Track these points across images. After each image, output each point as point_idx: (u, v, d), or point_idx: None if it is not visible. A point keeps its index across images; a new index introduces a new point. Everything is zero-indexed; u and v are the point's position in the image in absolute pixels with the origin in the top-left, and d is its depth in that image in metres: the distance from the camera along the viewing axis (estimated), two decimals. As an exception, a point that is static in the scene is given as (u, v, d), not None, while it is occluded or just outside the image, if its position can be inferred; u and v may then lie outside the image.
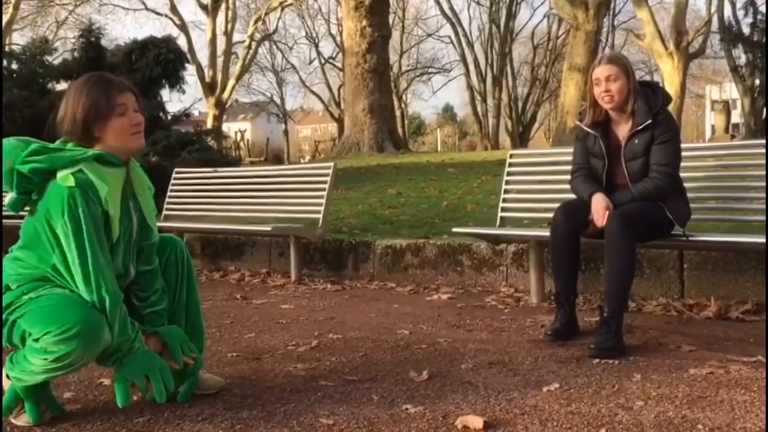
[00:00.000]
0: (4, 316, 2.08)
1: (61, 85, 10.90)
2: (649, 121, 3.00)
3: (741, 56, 23.69)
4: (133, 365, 2.13)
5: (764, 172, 3.41)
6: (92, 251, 2.05)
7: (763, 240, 2.99)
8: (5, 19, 20.10)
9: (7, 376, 2.16)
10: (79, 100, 2.14)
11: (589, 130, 3.16)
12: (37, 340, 2.01)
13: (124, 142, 2.18)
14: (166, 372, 2.18)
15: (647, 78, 38.23)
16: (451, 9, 35.05)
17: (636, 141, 3.04)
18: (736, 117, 27.71)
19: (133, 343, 2.13)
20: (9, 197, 2.13)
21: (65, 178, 2.05)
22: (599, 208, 2.99)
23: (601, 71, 3.04)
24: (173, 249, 2.41)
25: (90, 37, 10.58)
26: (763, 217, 3.47)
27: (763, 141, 3.47)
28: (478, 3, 37.33)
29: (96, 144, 2.16)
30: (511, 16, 35.54)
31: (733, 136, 21.76)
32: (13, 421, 2.17)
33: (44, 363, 2.01)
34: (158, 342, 2.26)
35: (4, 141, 2.14)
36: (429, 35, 40.76)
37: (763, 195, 3.48)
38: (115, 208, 2.14)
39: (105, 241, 2.10)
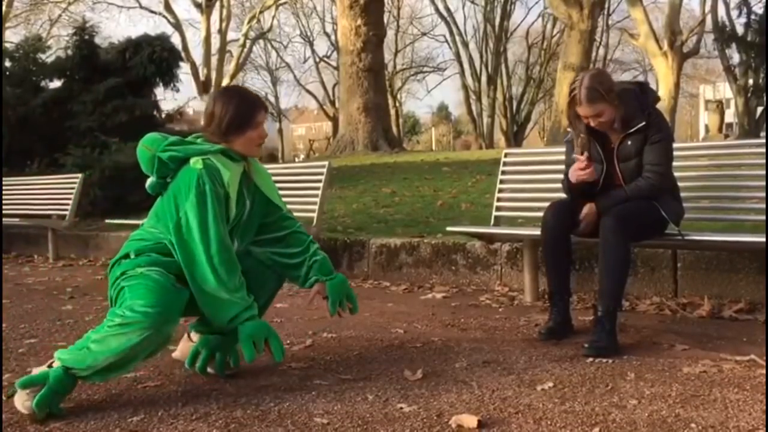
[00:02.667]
0: (117, 281, 2.40)
1: (55, 84, 10.87)
2: (643, 123, 3.00)
3: (734, 56, 23.76)
4: (254, 329, 2.38)
5: (759, 172, 3.43)
6: (215, 222, 2.38)
7: (762, 239, 2.99)
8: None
9: (50, 365, 2.29)
10: (228, 108, 2.50)
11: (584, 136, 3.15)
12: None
13: (248, 149, 2.55)
14: (278, 337, 2.45)
15: (642, 77, 38.43)
16: (446, 8, 35.09)
17: (629, 143, 3.04)
18: (729, 116, 27.77)
19: (251, 310, 2.40)
20: (150, 180, 2.57)
21: (196, 162, 2.43)
22: (573, 171, 3.03)
23: (584, 111, 2.99)
24: None
25: (84, 35, 10.56)
26: (757, 217, 3.48)
27: (757, 140, 3.48)
28: (472, 2, 37.32)
29: (224, 143, 2.50)
30: (506, 15, 35.58)
31: (726, 136, 21.82)
32: (16, 404, 2.21)
33: (112, 330, 2.22)
34: (323, 287, 2.65)
35: (148, 135, 2.56)
36: (424, 34, 40.78)
37: (757, 194, 3.50)
38: (233, 193, 2.47)
39: (224, 216, 2.43)
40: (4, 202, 7.61)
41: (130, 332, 2.21)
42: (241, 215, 2.55)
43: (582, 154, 3.03)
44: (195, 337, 2.67)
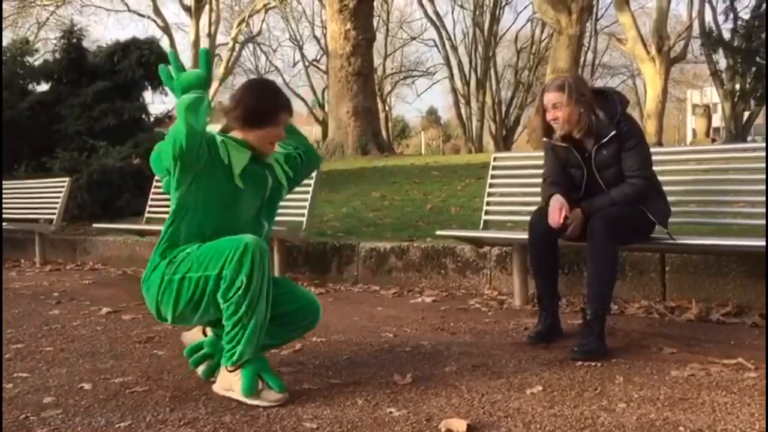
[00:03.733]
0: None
1: (42, 87, 10.82)
2: (613, 132, 3.01)
3: (721, 61, 23.93)
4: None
5: (746, 176, 3.46)
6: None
7: (762, 243, 3.00)
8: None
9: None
10: (255, 99, 2.49)
11: (559, 144, 3.16)
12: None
13: (262, 144, 2.53)
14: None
15: (630, 82, 38.68)
16: (435, 12, 35.08)
17: (604, 152, 3.05)
18: (716, 121, 28.00)
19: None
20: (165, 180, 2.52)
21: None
22: (552, 211, 3.01)
23: (547, 98, 3.05)
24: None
25: (71, 38, 10.51)
26: (744, 221, 3.51)
27: (743, 145, 3.50)
28: (462, 7, 37.42)
29: (241, 131, 2.50)
30: (495, 20, 35.66)
31: (713, 140, 22.01)
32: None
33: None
34: None
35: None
36: (413, 38, 40.78)
37: (744, 198, 3.52)
38: (238, 168, 2.45)
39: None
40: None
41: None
42: (262, 191, 2.55)
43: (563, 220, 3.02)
44: (209, 332, 2.65)
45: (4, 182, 8.05)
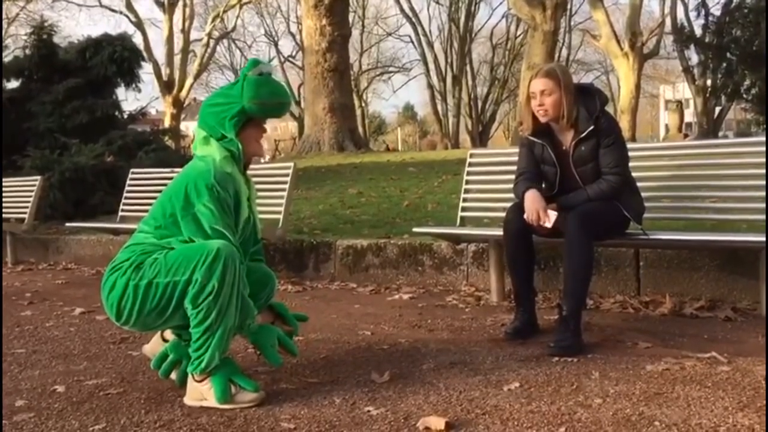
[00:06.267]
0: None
1: (12, 84, 10.65)
2: (591, 128, 3.03)
3: (693, 57, 24.22)
4: (265, 333, 2.47)
5: (718, 171, 3.50)
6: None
7: (762, 238, 3.01)
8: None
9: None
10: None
11: (536, 140, 3.17)
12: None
13: (248, 144, 2.51)
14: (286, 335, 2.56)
15: (603, 78, 39.01)
16: (411, 8, 35.12)
17: (582, 148, 3.06)
18: (689, 116, 28.33)
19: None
20: None
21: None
22: (531, 207, 3.02)
23: (535, 85, 3.05)
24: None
25: (42, 34, 10.36)
26: (716, 216, 3.56)
27: (714, 141, 3.54)
28: (437, 2, 37.52)
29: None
30: (471, 16, 35.78)
31: (686, 135, 22.24)
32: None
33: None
34: (270, 313, 2.66)
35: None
36: (389, 34, 40.83)
37: (716, 194, 3.57)
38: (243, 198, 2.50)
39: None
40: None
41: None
42: (245, 227, 2.54)
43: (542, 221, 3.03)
44: (169, 336, 2.60)
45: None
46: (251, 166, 2.71)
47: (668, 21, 25.20)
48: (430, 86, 36.44)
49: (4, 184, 7.42)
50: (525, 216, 3.03)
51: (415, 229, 4.22)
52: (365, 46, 39.87)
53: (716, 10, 21.17)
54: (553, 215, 2.99)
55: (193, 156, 2.54)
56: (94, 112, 9.81)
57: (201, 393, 2.32)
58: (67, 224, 6.50)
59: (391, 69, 42.20)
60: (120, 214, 6.04)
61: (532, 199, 3.04)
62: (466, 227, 4.14)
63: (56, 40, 10.77)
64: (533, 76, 3.08)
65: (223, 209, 2.36)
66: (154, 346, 2.67)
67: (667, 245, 3.58)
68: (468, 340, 3.13)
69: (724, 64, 19.43)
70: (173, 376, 2.55)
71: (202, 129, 2.49)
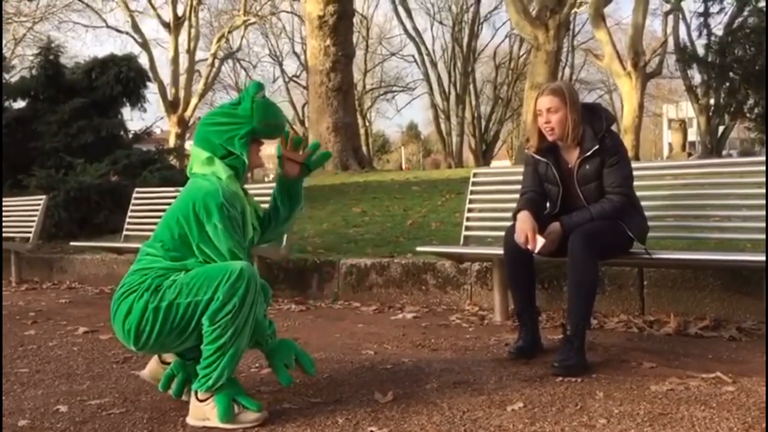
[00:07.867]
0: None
1: (19, 104, 10.73)
2: (596, 147, 3.03)
3: (696, 76, 24.31)
4: (283, 349, 2.51)
5: (722, 191, 3.49)
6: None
7: (762, 258, 3.00)
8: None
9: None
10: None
11: (540, 158, 3.18)
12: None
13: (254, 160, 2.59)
14: (305, 351, 2.60)
15: (606, 97, 39.12)
16: (415, 28, 35.37)
17: (587, 167, 3.07)
18: (692, 135, 28.38)
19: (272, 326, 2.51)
20: None
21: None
22: (520, 229, 3.01)
23: (542, 103, 3.06)
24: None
25: (49, 54, 10.45)
26: (720, 235, 3.55)
27: (719, 160, 3.55)
28: (441, 23, 37.82)
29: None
30: (474, 35, 36.03)
31: (690, 154, 22.28)
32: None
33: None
34: None
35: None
36: (393, 54, 41.07)
37: (720, 213, 3.56)
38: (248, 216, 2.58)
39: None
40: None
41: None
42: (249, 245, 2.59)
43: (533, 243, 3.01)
44: (169, 358, 2.60)
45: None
46: (255, 186, 2.74)
47: (671, 40, 25.32)
48: (434, 105, 36.61)
49: (9, 203, 7.46)
50: (515, 237, 3.03)
51: (419, 248, 4.22)
52: (369, 65, 40.09)
53: (718, 30, 21.31)
54: (540, 241, 2.98)
55: (189, 176, 2.54)
56: (99, 132, 9.86)
57: (204, 413, 2.31)
58: (72, 243, 6.52)
59: (394, 88, 42.41)
60: (124, 233, 6.05)
61: (522, 220, 3.04)
62: (470, 246, 4.14)
63: (63, 60, 10.85)
64: (540, 94, 3.11)
65: (234, 228, 2.38)
66: (153, 369, 2.66)
67: (671, 264, 3.57)
68: (471, 359, 3.11)
69: (727, 84, 19.51)
70: (170, 391, 2.55)
71: (202, 148, 2.49)
